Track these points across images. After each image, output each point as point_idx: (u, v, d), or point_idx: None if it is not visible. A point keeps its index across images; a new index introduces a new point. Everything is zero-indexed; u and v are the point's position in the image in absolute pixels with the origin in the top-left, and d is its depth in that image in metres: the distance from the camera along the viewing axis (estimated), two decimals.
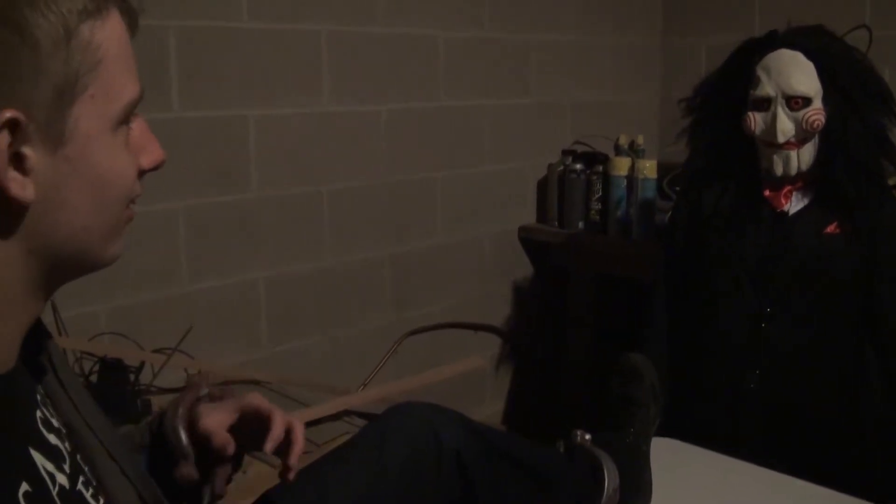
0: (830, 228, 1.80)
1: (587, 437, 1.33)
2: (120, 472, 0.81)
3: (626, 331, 2.16)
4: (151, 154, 0.73)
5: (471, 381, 2.86)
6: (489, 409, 3.05)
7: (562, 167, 2.98)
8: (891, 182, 2.03)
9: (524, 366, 3.12)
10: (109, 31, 0.65)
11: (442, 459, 1.22)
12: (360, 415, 2.36)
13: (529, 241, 3.06)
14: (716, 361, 1.87)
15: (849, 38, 1.90)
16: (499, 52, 2.87)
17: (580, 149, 3.04)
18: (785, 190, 1.84)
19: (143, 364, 1.98)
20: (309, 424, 1.92)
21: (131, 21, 0.70)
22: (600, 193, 2.88)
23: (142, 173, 0.73)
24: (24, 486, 0.64)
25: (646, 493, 1.34)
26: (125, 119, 0.68)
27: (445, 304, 2.82)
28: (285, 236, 2.37)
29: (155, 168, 0.74)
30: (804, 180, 1.83)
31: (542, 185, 3.08)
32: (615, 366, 1.49)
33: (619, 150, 2.93)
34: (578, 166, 2.95)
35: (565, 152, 3.03)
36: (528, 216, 3.09)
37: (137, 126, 0.72)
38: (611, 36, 3.27)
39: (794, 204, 1.84)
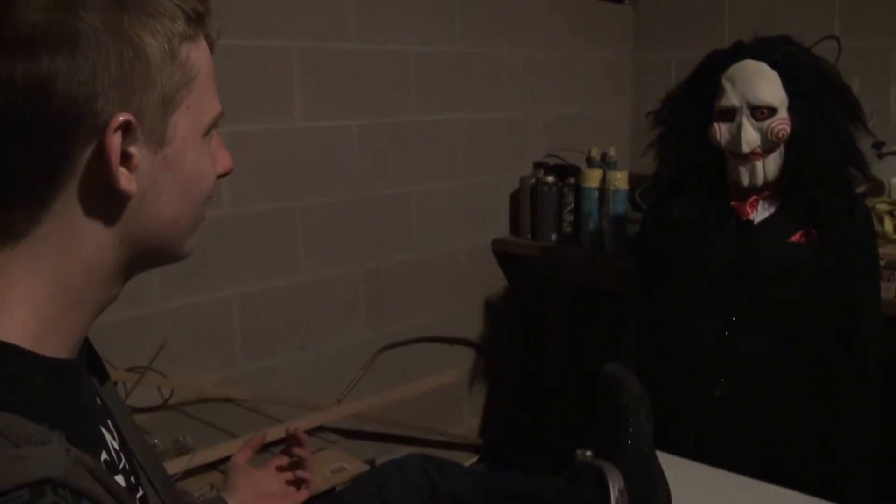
0: (796, 237, 1.80)
1: (587, 453, 1.33)
2: (146, 479, 0.85)
3: (602, 342, 2.17)
4: (223, 161, 0.84)
5: (447, 395, 2.86)
6: (466, 423, 3.05)
7: (534, 180, 3.00)
8: (859, 190, 2.05)
9: (500, 378, 3.13)
10: (200, 53, 0.77)
11: (440, 501, 1.24)
12: (335, 430, 2.36)
13: (503, 254, 3.07)
14: (684, 370, 1.88)
15: (818, 49, 1.91)
16: (470, 67, 2.88)
17: (552, 161, 3.05)
18: (751, 199, 1.85)
19: (115, 383, 1.97)
20: (283, 441, 1.91)
21: (211, 45, 0.82)
22: (572, 205, 2.90)
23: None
24: (104, 455, 0.74)
25: (662, 495, 1.33)
26: (211, 129, 0.80)
27: (420, 318, 2.82)
28: (259, 253, 2.36)
29: (225, 174, 0.84)
30: (770, 189, 1.84)
31: (515, 198, 3.09)
32: (595, 384, 1.48)
33: (590, 163, 2.95)
34: (550, 179, 2.96)
35: (537, 165, 3.04)
36: (502, 229, 3.10)
37: (213, 137, 0.83)
38: (582, 50, 3.30)
39: (760, 213, 1.84)
